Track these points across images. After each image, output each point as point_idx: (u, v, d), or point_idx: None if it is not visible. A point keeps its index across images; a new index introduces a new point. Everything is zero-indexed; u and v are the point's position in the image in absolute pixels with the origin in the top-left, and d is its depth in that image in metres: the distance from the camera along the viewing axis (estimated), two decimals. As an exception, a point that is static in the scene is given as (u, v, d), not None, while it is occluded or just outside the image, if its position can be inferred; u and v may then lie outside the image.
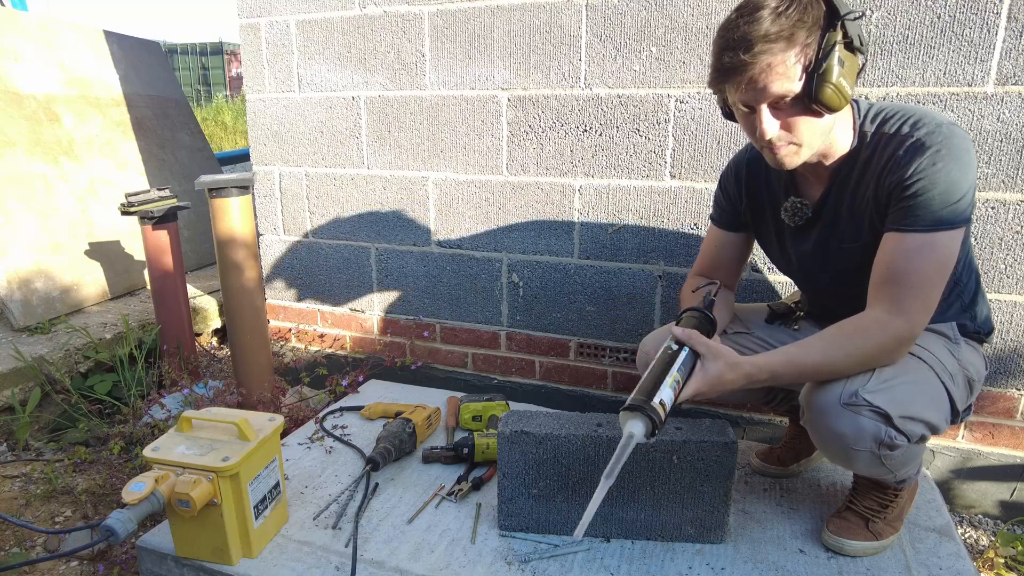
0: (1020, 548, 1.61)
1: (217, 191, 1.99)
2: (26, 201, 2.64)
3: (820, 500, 1.50)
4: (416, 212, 2.23)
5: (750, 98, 1.06)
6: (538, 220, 2.07)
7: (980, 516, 1.79)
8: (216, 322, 2.99)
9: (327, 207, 2.36)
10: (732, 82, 1.05)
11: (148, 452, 1.22)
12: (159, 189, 2.48)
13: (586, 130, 1.95)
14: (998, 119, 1.56)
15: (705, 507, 1.31)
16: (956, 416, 1.20)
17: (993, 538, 1.70)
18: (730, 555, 1.31)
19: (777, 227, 1.34)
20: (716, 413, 1.99)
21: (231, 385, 2.15)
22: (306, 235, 2.43)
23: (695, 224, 1.90)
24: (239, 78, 11.50)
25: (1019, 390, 1.70)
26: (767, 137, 1.08)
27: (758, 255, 1.84)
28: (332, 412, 1.97)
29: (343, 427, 1.88)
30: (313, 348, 2.55)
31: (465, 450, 1.62)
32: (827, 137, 1.13)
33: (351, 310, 2.44)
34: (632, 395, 1.04)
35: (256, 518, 1.28)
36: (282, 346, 2.60)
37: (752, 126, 1.10)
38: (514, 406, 1.90)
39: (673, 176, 1.88)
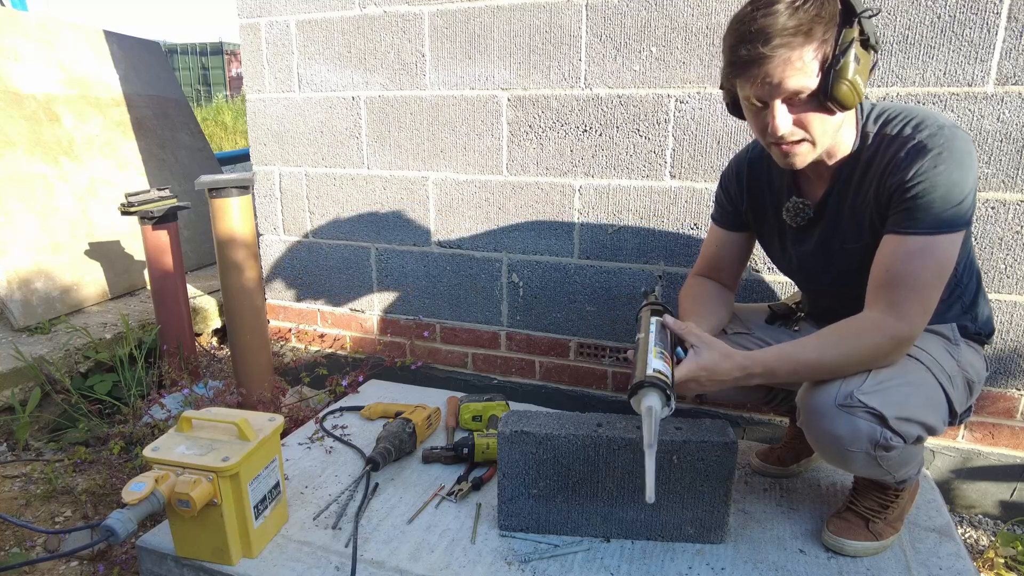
0: (1020, 548, 1.61)
1: (217, 191, 1.99)
2: (26, 201, 2.64)
3: (820, 500, 1.50)
4: (416, 212, 2.23)
5: (764, 93, 1.04)
6: (538, 220, 2.07)
7: (980, 516, 1.79)
8: (216, 322, 2.99)
9: (327, 207, 2.36)
10: (748, 76, 1.04)
11: (148, 452, 1.22)
12: (159, 189, 2.48)
13: (586, 130, 1.95)
14: (998, 119, 1.56)
15: (705, 507, 1.31)
16: (955, 417, 1.20)
17: (993, 538, 1.70)
18: (730, 555, 1.31)
19: (779, 227, 1.33)
20: (716, 413, 1.99)
21: (231, 385, 2.15)
22: (306, 235, 2.43)
23: (695, 224, 1.90)
24: (239, 78, 11.50)
25: (1019, 390, 1.70)
26: (779, 133, 1.06)
27: (758, 255, 1.84)
28: (332, 412, 1.97)
29: (343, 427, 1.88)
30: (313, 348, 2.55)
31: (465, 450, 1.62)
32: (836, 136, 1.12)
33: (351, 310, 2.44)
34: (629, 386, 1.07)
35: (256, 518, 1.28)
36: (282, 346, 2.60)
37: (763, 123, 1.09)
38: (514, 406, 1.90)
39: (673, 176, 1.88)
